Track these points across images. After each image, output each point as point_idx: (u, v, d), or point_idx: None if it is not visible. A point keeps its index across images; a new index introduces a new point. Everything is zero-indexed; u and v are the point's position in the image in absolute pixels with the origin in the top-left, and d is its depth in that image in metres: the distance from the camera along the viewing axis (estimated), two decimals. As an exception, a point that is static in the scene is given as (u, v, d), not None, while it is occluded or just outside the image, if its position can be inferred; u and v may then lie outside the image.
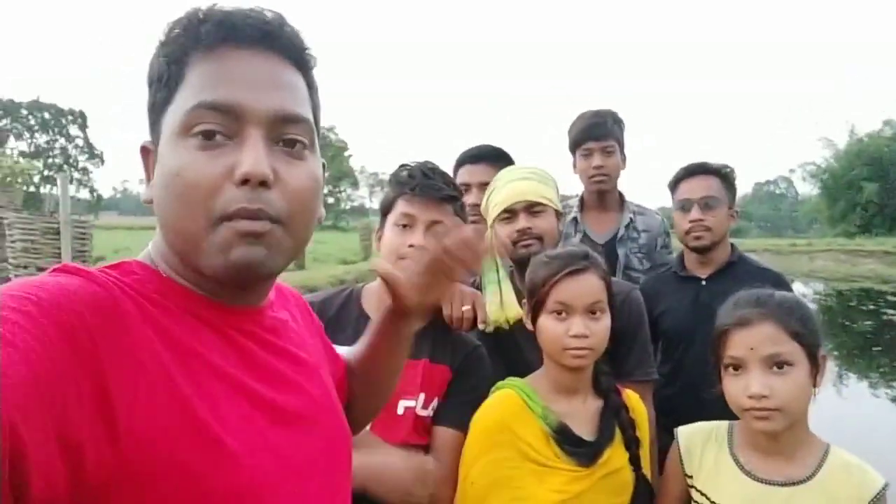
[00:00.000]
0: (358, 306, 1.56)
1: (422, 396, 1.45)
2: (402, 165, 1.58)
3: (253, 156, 0.68)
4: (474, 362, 1.51)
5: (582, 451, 1.36)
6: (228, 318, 0.74)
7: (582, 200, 2.65)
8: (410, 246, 1.44)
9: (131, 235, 27.01)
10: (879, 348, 12.11)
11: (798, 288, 23.68)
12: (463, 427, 1.43)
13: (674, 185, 2.22)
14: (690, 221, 2.10)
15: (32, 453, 0.50)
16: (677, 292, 2.17)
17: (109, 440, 0.57)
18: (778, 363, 1.24)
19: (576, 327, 1.34)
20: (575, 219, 2.59)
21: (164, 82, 0.71)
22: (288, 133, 0.73)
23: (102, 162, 69.59)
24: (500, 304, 1.63)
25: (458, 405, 1.46)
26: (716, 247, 2.13)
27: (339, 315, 1.53)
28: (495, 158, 2.19)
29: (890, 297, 18.76)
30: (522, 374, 1.49)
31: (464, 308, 1.55)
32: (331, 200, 70.03)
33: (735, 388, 1.29)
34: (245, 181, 0.67)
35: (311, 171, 0.76)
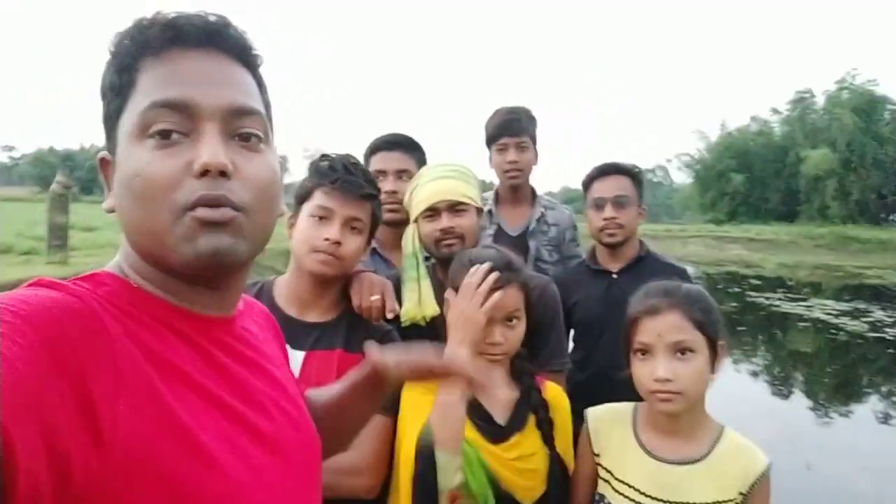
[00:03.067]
0: (269, 300, 1.55)
1: None
2: (324, 156, 1.58)
3: (210, 148, 0.70)
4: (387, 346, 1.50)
5: (492, 429, 1.44)
6: (201, 327, 0.75)
7: (497, 194, 2.72)
8: (326, 240, 1.46)
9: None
10: (743, 328, 13.21)
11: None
12: (382, 409, 1.44)
13: (587, 184, 2.31)
14: (604, 219, 2.21)
15: (21, 456, 0.51)
16: (589, 285, 2.26)
17: (94, 447, 0.58)
18: (682, 350, 1.33)
19: (491, 335, 1.44)
20: (490, 211, 2.65)
21: (116, 91, 0.73)
22: (243, 126, 0.74)
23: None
24: (417, 301, 1.67)
25: None
26: (626, 242, 2.24)
27: None
28: (410, 146, 2.21)
29: (753, 281, 20.52)
30: None
31: (372, 298, 1.56)
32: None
33: (642, 372, 1.38)
34: (204, 173, 0.69)
35: (268, 162, 0.77)
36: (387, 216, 2.08)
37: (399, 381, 1.03)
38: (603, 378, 1.70)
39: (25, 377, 0.54)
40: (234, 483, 0.69)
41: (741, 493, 1.32)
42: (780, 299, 16.16)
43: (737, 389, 8.51)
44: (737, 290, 18.40)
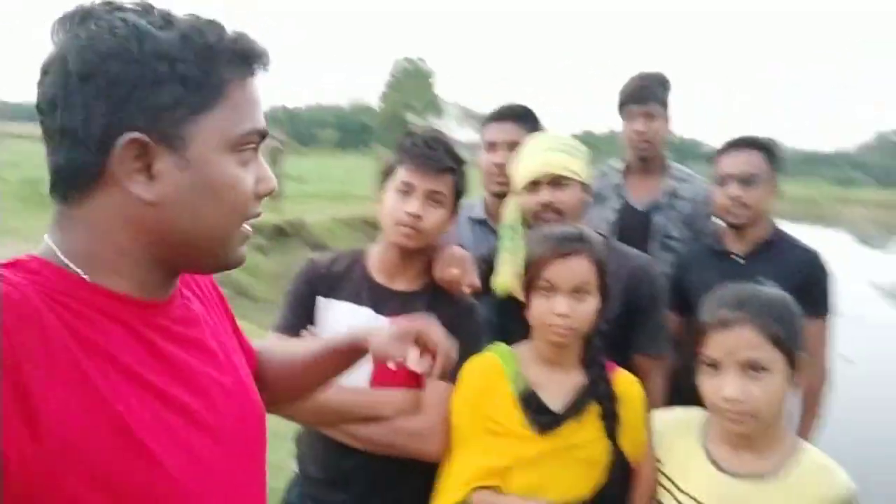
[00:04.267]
0: (362, 267, 1.66)
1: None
2: (408, 133, 1.65)
3: (272, 174, 0.84)
4: (464, 319, 1.57)
5: (542, 419, 1.42)
6: (141, 313, 0.77)
7: (626, 165, 2.61)
8: (407, 213, 1.53)
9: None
10: None
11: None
12: (453, 378, 1.50)
13: (716, 158, 2.15)
14: (729, 197, 2.06)
15: None
16: (709, 268, 2.11)
17: (31, 438, 0.60)
18: (754, 367, 1.23)
19: (559, 306, 1.40)
20: (617, 184, 2.56)
21: (196, 88, 0.73)
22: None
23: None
24: (510, 273, 1.68)
25: None
26: (754, 224, 2.08)
27: (346, 273, 1.65)
28: (521, 118, 2.18)
29: None
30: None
31: (454, 271, 1.61)
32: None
33: (710, 387, 1.28)
34: (268, 193, 0.84)
35: None
36: (495, 188, 2.11)
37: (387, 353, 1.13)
38: None
39: None
40: (168, 473, 0.72)
41: None
42: None
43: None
44: None
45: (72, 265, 0.72)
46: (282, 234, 11.09)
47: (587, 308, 1.42)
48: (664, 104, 2.47)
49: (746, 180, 2.03)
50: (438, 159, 1.56)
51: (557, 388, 1.47)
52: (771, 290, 1.33)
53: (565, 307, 1.39)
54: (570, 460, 1.42)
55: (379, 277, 1.64)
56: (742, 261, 2.09)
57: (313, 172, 21.46)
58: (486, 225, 2.19)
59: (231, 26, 0.78)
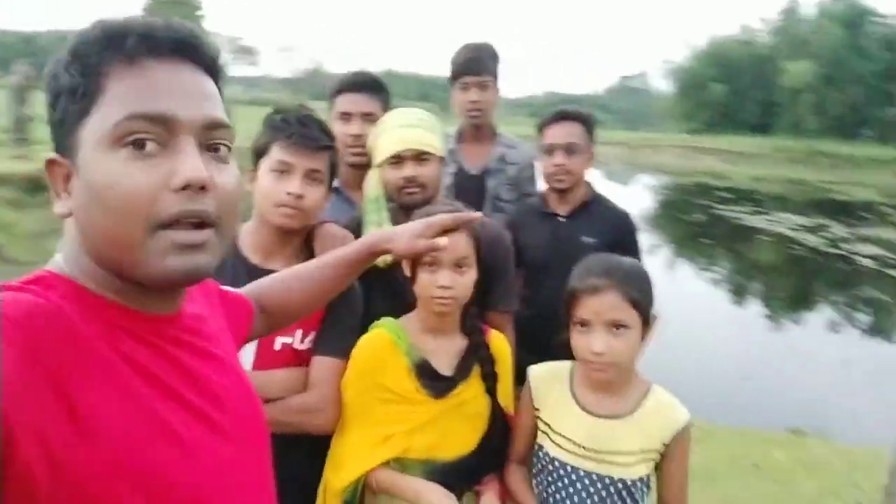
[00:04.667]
0: (233, 247, 1.56)
1: (299, 332, 1.56)
2: (277, 110, 1.60)
3: (192, 162, 0.70)
4: (347, 297, 1.56)
5: (437, 385, 1.53)
6: (152, 327, 0.76)
7: (459, 132, 2.72)
8: (288, 194, 1.50)
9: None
10: (707, 240, 13.60)
11: (646, 180, 25.57)
12: (337, 353, 1.55)
13: (540, 129, 2.35)
14: (554, 165, 2.27)
15: (17, 445, 0.55)
16: (538, 227, 2.34)
17: (82, 441, 0.61)
18: (617, 326, 1.43)
19: (442, 279, 1.49)
20: (451, 150, 2.63)
21: (78, 94, 0.70)
22: (215, 138, 0.75)
23: None
24: None
25: (332, 334, 1.57)
26: (574, 187, 2.33)
27: None
28: (375, 88, 2.17)
29: (721, 193, 20.85)
30: (404, 310, 1.62)
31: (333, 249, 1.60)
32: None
33: (580, 343, 1.47)
34: (184, 187, 0.69)
35: (236, 173, 0.79)
36: (351, 159, 2.10)
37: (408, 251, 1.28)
38: (547, 316, 1.77)
39: (15, 372, 0.58)
40: (205, 470, 0.74)
41: (664, 444, 1.48)
42: (744, 212, 16.53)
43: (697, 296, 8.98)
44: (706, 202, 18.72)
45: (80, 279, 0.73)
46: (38, 186, 9.66)
47: (467, 280, 1.52)
48: (495, 75, 2.59)
49: (569, 149, 2.24)
50: (315, 137, 1.53)
51: (445, 355, 1.57)
52: (629, 260, 1.54)
53: (448, 279, 1.48)
54: (460, 417, 1.54)
55: (254, 258, 1.58)
56: (564, 219, 2.32)
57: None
58: (341, 193, 2.17)
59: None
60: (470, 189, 2.55)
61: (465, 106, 2.58)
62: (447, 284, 1.49)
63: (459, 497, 1.48)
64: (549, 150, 2.28)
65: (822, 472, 3.64)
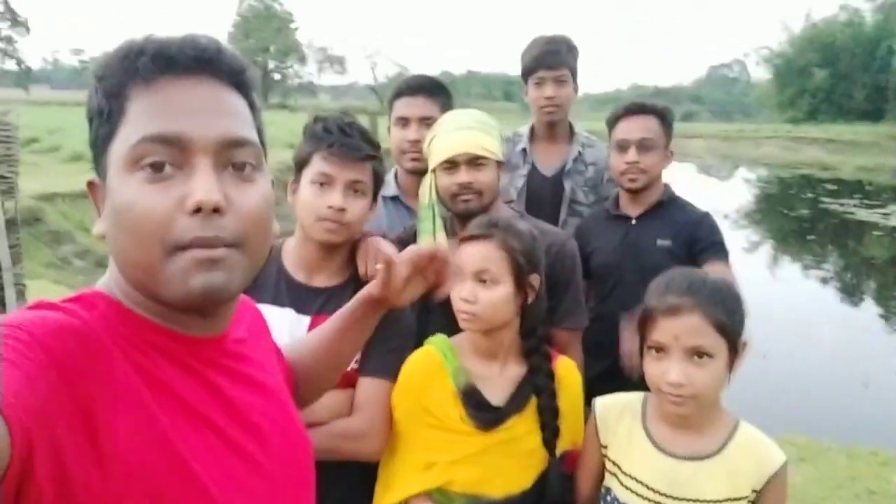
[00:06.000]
0: (277, 263, 1.53)
1: None
2: (317, 118, 1.52)
3: (204, 184, 0.68)
4: (392, 312, 1.48)
5: (484, 416, 1.39)
6: (193, 350, 0.75)
7: (532, 130, 2.55)
8: (329, 207, 1.42)
9: (64, 112, 25.33)
10: (813, 237, 12.70)
11: (743, 173, 24.34)
12: (384, 374, 1.45)
13: (612, 123, 2.15)
14: (626, 162, 2.07)
15: (36, 462, 0.54)
16: (607, 232, 2.17)
17: (95, 465, 0.60)
18: (699, 353, 1.23)
19: (463, 291, 1.38)
20: (524, 150, 2.50)
21: (105, 117, 0.71)
22: (236, 157, 0.73)
23: (28, 31, 64.06)
24: None
25: (378, 355, 1.46)
26: (649, 188, 2.13)
27: (261, 273, 1.48)
28: (434, 91, 2.07)
29: (828, 186, 19.50)
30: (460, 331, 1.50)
31: (378, 266, 1.51)
32: (277, 77, 67.30)
33: (655, 370, 1.29)
34: (197, 210, 0.68)
35: (262, 191, 0.76)
36: (409, 165, 2.02)
37: (400, 296, 1.12)
38: (614, 326, 1.66)
39: (38, 391, 0.57)
40: None
41: (754, 491, 1.26)
42: (855, 206, 15.36)
43: (805, 295, 8.40)
44: (810, 195, 17.57)
45: (123, 300, 0.73)
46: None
47: (493, 296, 1.37)
48: (572, 69, 2.42)
49: (643, 145, 2.05)
50: (357, 147, 1.44)
51: (498, 382, 1.43)
52: (716, 277, 1.34)
53: (468, 292, 1.37)
54: (510, 453, 1.39)
55: (298, 275, 1.51)
56: (635, 221, 2.13)
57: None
58: (400, 202, 2.09)
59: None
60: (544, 192, 2.42)
61: (540, 102, 2.41)
62: (467, 297, 1.37)
63: None
64: (621, 147, 2.08)
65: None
